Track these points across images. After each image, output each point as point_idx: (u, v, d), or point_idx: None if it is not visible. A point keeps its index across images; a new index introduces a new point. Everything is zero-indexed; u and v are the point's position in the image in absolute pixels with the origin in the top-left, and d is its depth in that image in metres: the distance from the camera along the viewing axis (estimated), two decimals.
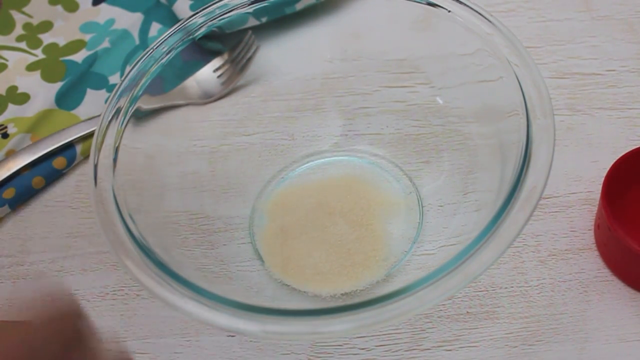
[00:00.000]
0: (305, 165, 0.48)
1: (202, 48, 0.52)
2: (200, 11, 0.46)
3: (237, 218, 0.46)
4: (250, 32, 0.50)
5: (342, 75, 0.50)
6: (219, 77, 0.51)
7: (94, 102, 0.55)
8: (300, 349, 0.42)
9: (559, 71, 0.52)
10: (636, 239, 0.43)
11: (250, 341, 0.42)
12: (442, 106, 0.47)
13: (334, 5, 0.53)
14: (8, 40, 0.60)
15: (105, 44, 0.58)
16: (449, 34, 0.44)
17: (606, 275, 0.43)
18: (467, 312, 0.42)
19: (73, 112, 0.55)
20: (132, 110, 0.42)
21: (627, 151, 0.43)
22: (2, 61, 0.58)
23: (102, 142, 0.40)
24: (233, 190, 0.47)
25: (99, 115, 0.51)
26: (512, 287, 0.43)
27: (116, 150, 0.40)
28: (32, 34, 0.60)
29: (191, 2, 0.56)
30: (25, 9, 0.62)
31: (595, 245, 0.44)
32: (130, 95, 0.42)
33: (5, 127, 0.54)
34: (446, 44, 0.45)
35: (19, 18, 0.61)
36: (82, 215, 0.49)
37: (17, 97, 0.56)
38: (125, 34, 0.59)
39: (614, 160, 0.42)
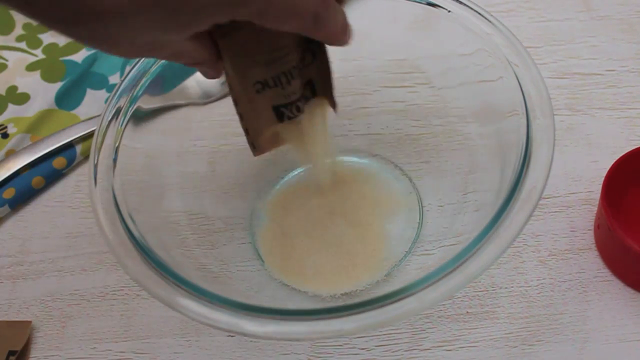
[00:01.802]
0: (305, 166, 0.48)
1: None
2: None
3: (237, 218, 0.46)
4: None
5: (342, 75, 0.49)
6: None
7: (94, 102, 0.55)
8: (300, 349, 0.42)
9: (559, 71, 0.52)
10: (636, 239, 0.43)
11: (250, 341, 0.42)
12: (442, 106, 0.47)
13: None
14: (8, 40, 0.60)
15: None
16: (449, 34, 0.44)
17: (606, 276, 0.43)
18: (467, 312, 0.42)
19: (73, 112, 0.55)
20: (132, 110, 0.42)
21: (627, 151, 0.43)
22: (2, 61, 0.58)
23: (102, 142, 0.40)
24: (233, 190, 0.47)
25: (99, 115, 0.51)
26: (512, 287, 0.43)
27: (116, 150, 0.40)
28: (32, 33, 0.60)
29: None
30: None
31: (595, 245, 0.44)
32: (130, 95, 0.42)
33: (5, 127, 0.54)
34: (446, 44, 0.45)
35: (19, 18, 0.61)
36: (82, 215, 0.49)
37: (17, 97, 0.56)
38: None
39: (614, 160, 0.42)
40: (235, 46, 0.33)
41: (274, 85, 0.35)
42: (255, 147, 0.38)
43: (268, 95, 0.36)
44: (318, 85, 0.38)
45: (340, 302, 0.41)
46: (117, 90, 0.42)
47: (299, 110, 0.37)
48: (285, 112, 0.37)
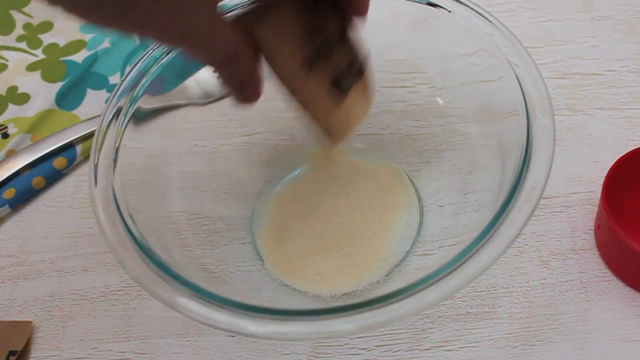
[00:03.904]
0: (305, 165, 0.48)
1: None
2: None
3: (237, 218, 0.46)
4: None
5: None
6: (219, 77, 0.51)
7: (94, 102, 0.55)
8: (300, 349, 0.42)
9: (559, 71, 0.52)
10: (636, 239, 0.43)
11: (251, 341, 0.42)
12: (442, 106, 0.47)
13: None
14: (8, 40, 0.60)
15: (106, 44, 0.58)
16: (449, 34, 0.44)
17: (607, 276, 0.43)
18: (468, 312, 0.42)
19: (73, 112, 0.55)
20: (133, 111, 0.42)
21: (627, 151, 0.43)
22: (2, 61, 0.58)
23: (103, 142, 0.40)
24: (233, 190, 0.47)
25: (99, 115, 0.51)
26: (512, 287, 0.43)
27: (116, 150, 0.40)
28: (32, 34, 0.60)
29: None
30: (25, 9, 0.62)
31: (595, 245, 0.44)
32: (130, 95, 0.42)
33: (6, 127, 0.54)
34: (446, 44, 0.45)
35: (19, 18, 0.61)
36: (82, 215, 0.49)
37: (17, 97, 0.56)
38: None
39: (614, 160, 0.42)
40: (275, 28, 0.32)
41: (318, 58, 0.34)
42: (331, 133, 0.37)
43: (319, 72, 0.34)
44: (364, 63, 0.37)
45: (340, 302, 0.41)
46: (117, 91, 0.42)
47: (355, 77, 0.36)
48: (344, 83, 0.35)
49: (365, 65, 0.37)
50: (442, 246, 0.42)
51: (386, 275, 0.42)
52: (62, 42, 0.59)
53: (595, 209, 0.45)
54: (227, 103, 0.50)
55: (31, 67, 0.57)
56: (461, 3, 0.43)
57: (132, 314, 0.44)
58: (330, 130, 0.37)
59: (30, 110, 0.55)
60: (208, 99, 0.50)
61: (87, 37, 0.59)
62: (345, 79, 0.36)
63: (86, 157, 0.52)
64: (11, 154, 0.52)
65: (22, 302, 0.46)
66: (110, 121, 0.41)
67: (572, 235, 0.45)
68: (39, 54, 0.58)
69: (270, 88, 0.50)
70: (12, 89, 0.56)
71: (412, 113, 0.48)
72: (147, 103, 0.43)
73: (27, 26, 0.61)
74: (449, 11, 0.43)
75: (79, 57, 0.58)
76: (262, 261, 0.44)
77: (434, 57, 0.46)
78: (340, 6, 0.34)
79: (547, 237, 0.45)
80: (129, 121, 0.42)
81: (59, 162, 0.51)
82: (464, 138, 0.45)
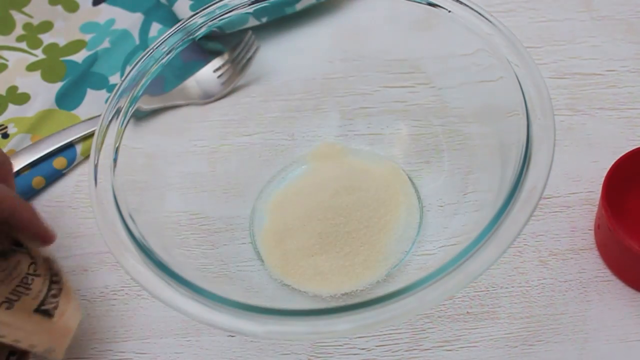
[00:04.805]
0: (305, 166, 0.48)
1: (202, 48, 0.52)
2: (201, 11, 0.46)
3: (237, 218, 0.46)
4: (250, 32, 0.50)
5: (343, 76, 0.50)
6: (219, 77, 0.51)
7: (94, 102, 0.55)
8: (300, 349, 0.42)
9: (559, 71, 0.52)
10: (636, 239, 0.43)
11: (251, 341, 0.42)
12: (442, 106, 0.47)
13: (334, 6, 0.53)
14: (8, 40, 0.60)
15: (106, 44, 0.58)
16: (449, 34, 0.44)
17: (606, 275, 0.43)
18: (467, 312, 0.42)
19: (73, 112, 0.55)
20: (133, 111, 0.42)
21: (627, 151, 0.43)
22: (2, 61, 0.58)
23: (103, 142, 0.40)
24: (233, 190, 0.47)
25: (99, 115, 0.51)
26: (512, 287, 0.43)
27: (116, 150, 0.40)
28: (32, 34, 0.60)
29: (191, 2, 0.56)
30: (25, 9, 0.62)
31: (595, 245, 0.44)
32: (130, 95, 0.42)
33: (6, 127, 0.54)
34: (446, 44, 0.45)
35: (19, 18, 0.61)
36: (82, 215, 0.49)
37: (17, 97, 0.56)
38: (125, 34, 0.59)
39: (614, 160, 0.42)
40: None
41: (17, 298, 0.36)
42: (53, 349, 0.38)
43: (19, 306, 0.36)
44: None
45: (340, 302, 0.41)
46: (117, 91, 0.42)
47: (55, 297, 0.38)
48: (49, 308, 0.38)
49: (59, 275, 0.39)
50: (442, 246, 0.42)
51: (386, 275, 0.42)
52: (62, 42, 0.59)
53: (595, 209, 0.45)
54: (227, 103, 0.50)
55: (31, 67, 0.57)
56: (461, 3, 0.43)
57: (132, 314, 0.44)
58: (51, 347, 0.38)
59: (30, 110, 0.55)
60: (208, 99, 0.50)
61: (87, 37, 0.59)
62: (47, 301, 0.38)
63: (86, 157, 0.52)
64: (11, 154, 0.52)
65: None
66: (110, 121, 0.41)
67: (572, 235, 0.45)
68: (39, 54, 0.58)
69: (270, 89, 0.50)
70: (12, 89, 0.56)
71: (412, 113, 0.48)
72: (147, 103, 0.44)
73: (27, 26, 0.60)
74: (449, 11, 0.43)
75: (79, 57, 0.58)
76: (262, 261, 0.44)
77: (434, 57, 0.46)
78: (25, 242, 0.36)
79: (547, 237, 0.45)
80: (129, 121, 0.42)
81: (59, 162, 0.51)
82: (464, 138, 0.45)
